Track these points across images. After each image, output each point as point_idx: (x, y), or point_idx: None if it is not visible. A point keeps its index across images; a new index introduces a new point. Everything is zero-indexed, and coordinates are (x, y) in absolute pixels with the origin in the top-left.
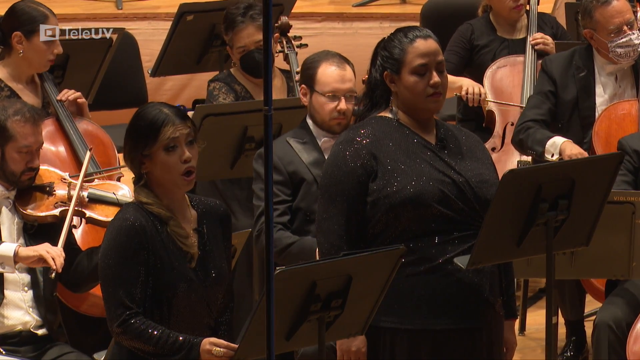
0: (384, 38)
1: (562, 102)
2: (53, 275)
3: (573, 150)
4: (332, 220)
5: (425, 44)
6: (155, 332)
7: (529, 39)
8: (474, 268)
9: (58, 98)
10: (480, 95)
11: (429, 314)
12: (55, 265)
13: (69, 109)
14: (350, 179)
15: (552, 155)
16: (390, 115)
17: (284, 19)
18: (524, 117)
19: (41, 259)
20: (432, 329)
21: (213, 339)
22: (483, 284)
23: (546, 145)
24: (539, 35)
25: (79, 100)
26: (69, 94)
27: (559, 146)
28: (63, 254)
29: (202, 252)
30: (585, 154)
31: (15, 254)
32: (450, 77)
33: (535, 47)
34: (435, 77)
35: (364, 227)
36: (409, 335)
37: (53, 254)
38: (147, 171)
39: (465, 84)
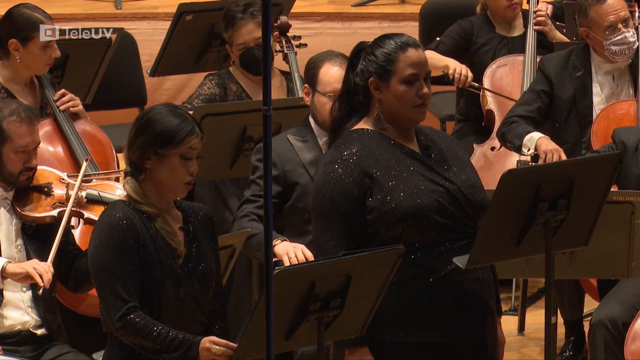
0: (364, 43)
1: (559, 101)
2: (40, 291)
3: (549, 146)
4: (332, 243)
5: (417, 54)
6: (155, 328)
7: (529, 35)
8: (475, 278)
9: (54, 99)
10: (467, 77)
11: (434, 327)
12: (43, 282)
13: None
14: (346, 198)
15: (528, 150)
16: (369, 127)
17: (283, 18)
18: (512, 112)
19: (28, 276)
20: (438, 342)
21: (213, 338)
22: (485, 293)
23: (524, 140)
24: (543, 12)
25: (72, 109)
26: (64, 100)
27: (535, 141)
28: (51, 270)
29: (189, 250)
30: (561, 151)
31: (3, 270)
32: (436, 55)
33: (535, 26)
34: (424, 88)
35: (364, 246)
36: (415, 349)
37: (40, 270)
38: (150, 167)
39: (452, 64)
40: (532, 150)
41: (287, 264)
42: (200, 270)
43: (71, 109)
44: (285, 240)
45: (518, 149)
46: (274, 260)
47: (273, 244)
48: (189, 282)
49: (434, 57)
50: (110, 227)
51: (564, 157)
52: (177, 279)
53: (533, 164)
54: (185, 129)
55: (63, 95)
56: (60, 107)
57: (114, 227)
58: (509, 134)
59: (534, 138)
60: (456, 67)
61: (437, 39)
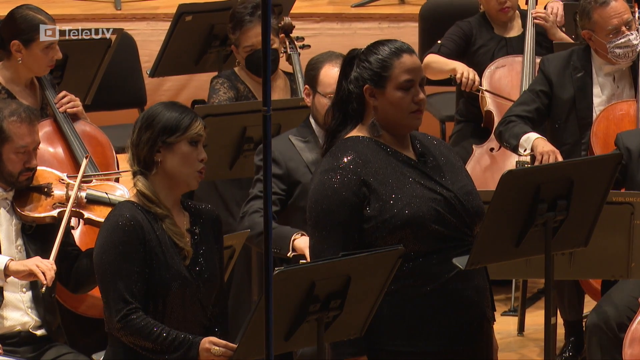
0: (357, 50)
1: (559, 102)
2: (44, 289)
3: (545, 147)
4: (330, 252)
5: (411, 59)
6: (155, 329)
7: (528, 35)
8: (473, 286)
9: (55, 101)
10: (474, 82)
11: (433, 336)
12: (46, 279)
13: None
14: (344, 208)
15: (525, 150)
16: (363, 134)
17: (287, 19)
18: (510, 112)
19: (31, 274)
20: (436, 351)
21: (213, 338)
22: (481, 301)
23: (520, 140)
24: (542, 11)
25: (71, 110)
26: (63, 102)
27: (531, 142)
28: (54, 267)
29: (196, 252)
30: (558, 152)
31: (6, 267)
32: (441, 59)
33: (535, 20)
34: (420, 94)
35: None
36: (414, 358)
37: (43, 267)
38: (160, 159)
39: (459, 68)
40: (528, 151)
41: (308, 257)
42: (206, 273)
43: (70, 110)
44: (304, 234)
45: (514, 149)
46: (294, 254)
47: (293, 239)
48: (195, 284)
49: (440, 61)
50: (117, 227)
51: (560, 159)
52: (183, 281)
53: (528, 165)
54: (189, 116)
55: (63, 97)
56: (60, 109)
57: (120, 227)
58: (505, 133)
59: (531, 139)
60: (464, 71)
61: (439, 42)
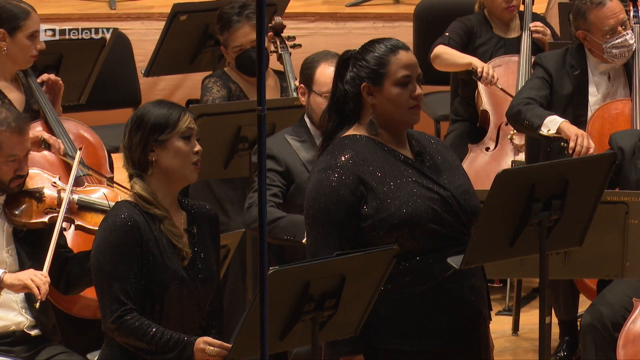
0: (350, 51)
1: (558, 97)
2: (37, 305)
3: (578, 130)
4: (326, 251)
5: (407, 55)
6: (150, 329)
7: (524, 35)
8: (469, 285)
9: (38, 80)
10: (494, 77)
11: (429, 335)
12: (40, 294)
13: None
14: (341, 206)
15: (549, 130)
16: (361, 133)
17: (277, 19)
18: (524, 94)
19: (26, 287)
20: (433, 350)
21: (207, 338)
22: (478, 300)
23: (545, 120)
24: (540, 24)
25: (53, 80)
26: (50, 78)
27: (558, 124)
28: (48, 280)
29: (193, 252)
30: (589, 136)
31: (1, 281)
32: (455, 52)
33: (533, 34)
34: (418, 89)
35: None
36: (410, 357)
37: (37, 281)
38: (155, 158)
39: (477, 62)
40: (552, 132)
41: None
42: (204, 273)
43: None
44: None
45: (536, 129)
46: None
47: None
48: (193, 284)
49: (453, 53)
50: (114, 227)
51: (592, 143)
52: (181, 281)
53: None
54: (177, 111)
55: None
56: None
57: (117, 227)
58: (527, 113)
59: (557, 120)
60: (484, 66)
61: (446, 33)
